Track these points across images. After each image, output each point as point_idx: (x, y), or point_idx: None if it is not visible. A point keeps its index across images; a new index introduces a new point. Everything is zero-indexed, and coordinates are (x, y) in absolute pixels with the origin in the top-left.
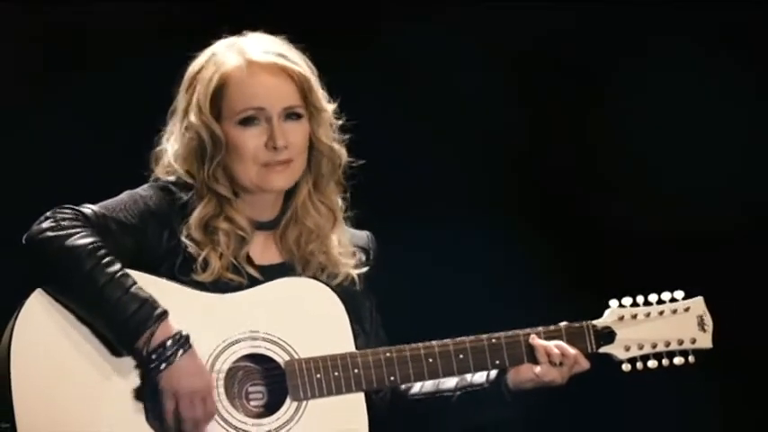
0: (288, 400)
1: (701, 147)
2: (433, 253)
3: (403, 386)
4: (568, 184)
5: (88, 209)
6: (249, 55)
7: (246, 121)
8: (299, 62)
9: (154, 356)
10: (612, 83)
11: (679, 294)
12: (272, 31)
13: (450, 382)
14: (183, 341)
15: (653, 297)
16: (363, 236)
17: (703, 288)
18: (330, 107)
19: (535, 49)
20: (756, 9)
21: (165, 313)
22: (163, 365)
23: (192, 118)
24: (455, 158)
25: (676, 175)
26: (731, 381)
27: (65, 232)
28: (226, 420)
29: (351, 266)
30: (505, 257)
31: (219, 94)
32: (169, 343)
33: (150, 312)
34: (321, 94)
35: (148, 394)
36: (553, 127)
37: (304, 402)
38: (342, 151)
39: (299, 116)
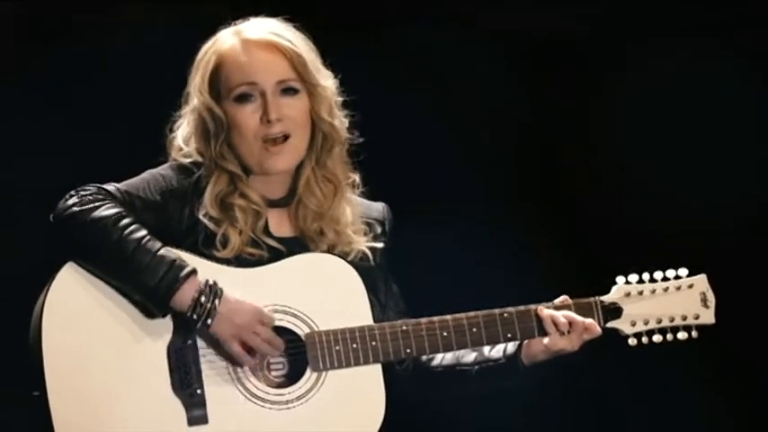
0: (308, 371)
1: (702, 146)
2: (435, 250)
3: (424, 359)
4: (571, 183)
5: (111, 186)
6: (244, 35)
7: (242, 98)
8: (291, 39)
9: (195, 317)
10: (613, 82)
11: (683, 272)
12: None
13: (469, 357)
14: (213, 289)
15: (658, 274)
16: (379, 207)
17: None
18: (330, 83)
19: (538, 47)
20: (756, 9)
21: (193, 271)
22: (209, 320)
23: (195, 100)
24: (457, 154)
25: (676, 175)
26: (731, 380)
27: (90, 206)
28: (248, 390)
29: (362, 243)
30: (507, 255)
31: (217, 75)
32: (203, 299)
33: (178, 273)
34: (319, 70)
35: (175, 364)
36: (556, 125)
37: (324, 373)
38: (343, 128)
39: (295, 91)
